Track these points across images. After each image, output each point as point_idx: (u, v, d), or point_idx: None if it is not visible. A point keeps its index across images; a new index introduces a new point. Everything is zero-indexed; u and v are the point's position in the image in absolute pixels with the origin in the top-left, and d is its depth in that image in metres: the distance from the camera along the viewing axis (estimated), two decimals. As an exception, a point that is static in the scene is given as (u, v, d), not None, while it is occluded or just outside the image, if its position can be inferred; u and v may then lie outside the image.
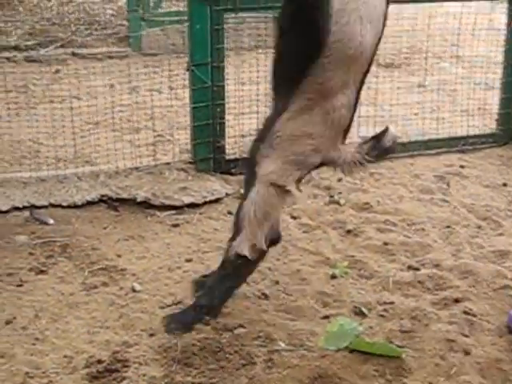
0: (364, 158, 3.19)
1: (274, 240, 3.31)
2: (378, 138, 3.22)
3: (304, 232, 4.05)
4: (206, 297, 3.26)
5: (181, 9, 6.94)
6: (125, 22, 7.88)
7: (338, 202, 4.35)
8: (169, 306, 3.34)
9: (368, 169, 3.36)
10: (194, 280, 3.51)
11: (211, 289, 3.27)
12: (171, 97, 5.08)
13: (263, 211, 3.15)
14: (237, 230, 3.20)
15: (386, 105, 5.55)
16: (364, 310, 3.32)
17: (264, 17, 6.22)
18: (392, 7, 5.04)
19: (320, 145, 3.12)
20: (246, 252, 3.16)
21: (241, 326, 3.17)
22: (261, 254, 3.23)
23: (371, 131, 5.05)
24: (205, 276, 3.49)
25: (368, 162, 3.19)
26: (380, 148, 3.19)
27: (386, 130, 3.21)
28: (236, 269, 3.21)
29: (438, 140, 5.19)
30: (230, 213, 4.17)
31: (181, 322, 3.17)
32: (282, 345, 3.06)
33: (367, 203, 4.35)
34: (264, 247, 3.19)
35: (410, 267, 3.69)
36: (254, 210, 3.14)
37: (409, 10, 5.74)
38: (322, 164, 3.21)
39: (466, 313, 3.30)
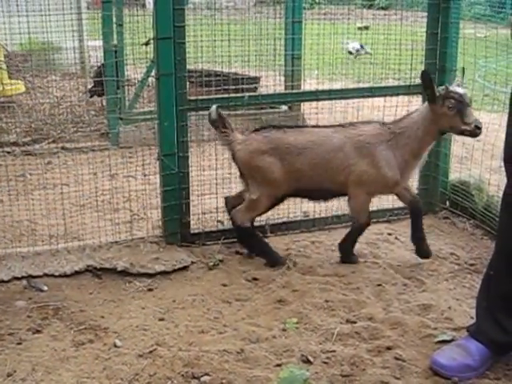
0: None
1: None
2: None
3: (257, 293, 4.06)
4: None
5: (152, 109, 7.03)
6: (105, 121, 7.97)
7: (287, 267, 4.39)
8: (146, 357, 3.34)
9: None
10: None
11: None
12: (144, 182, 5.12)
13: None
14: None
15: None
16: (310, 358, 3.33)
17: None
18: (326, 102, 5.24)
19: None
20: None
21: (206, 374, 3.19)
22: None
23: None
24: None
25: None
26: None
27: None
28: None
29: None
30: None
31: None
32: (242, 389, 3.08)
33: (311, 267, 4.39)
34: None
35: (348, 321, 3.71)
36: None
37: (340, 104, 5.88)
38: None
39: (396, 358, 3.33)
